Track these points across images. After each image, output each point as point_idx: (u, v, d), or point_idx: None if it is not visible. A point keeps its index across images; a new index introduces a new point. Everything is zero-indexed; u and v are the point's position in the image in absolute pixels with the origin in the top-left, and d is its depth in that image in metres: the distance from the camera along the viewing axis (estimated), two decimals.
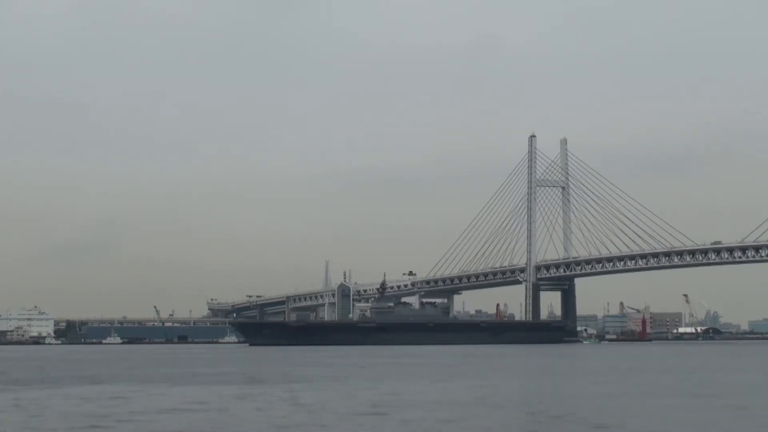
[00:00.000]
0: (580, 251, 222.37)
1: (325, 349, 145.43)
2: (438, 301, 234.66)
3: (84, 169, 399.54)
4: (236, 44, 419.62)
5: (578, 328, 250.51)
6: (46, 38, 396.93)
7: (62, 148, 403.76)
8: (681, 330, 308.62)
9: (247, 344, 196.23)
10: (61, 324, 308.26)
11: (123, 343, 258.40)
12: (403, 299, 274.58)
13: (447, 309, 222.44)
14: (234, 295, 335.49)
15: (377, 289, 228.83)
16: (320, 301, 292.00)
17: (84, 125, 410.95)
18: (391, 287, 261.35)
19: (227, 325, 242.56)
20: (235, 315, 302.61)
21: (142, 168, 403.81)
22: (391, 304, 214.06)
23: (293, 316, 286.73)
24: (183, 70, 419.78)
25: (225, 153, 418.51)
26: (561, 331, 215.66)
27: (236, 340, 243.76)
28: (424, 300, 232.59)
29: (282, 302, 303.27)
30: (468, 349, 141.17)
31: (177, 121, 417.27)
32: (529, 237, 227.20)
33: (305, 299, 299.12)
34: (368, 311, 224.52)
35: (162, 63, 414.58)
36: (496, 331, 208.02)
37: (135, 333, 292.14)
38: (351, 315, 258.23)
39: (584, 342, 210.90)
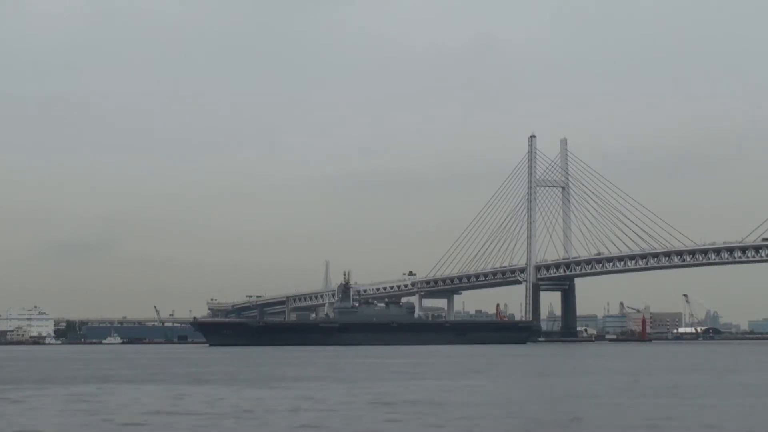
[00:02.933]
0: (580, 251, 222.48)
1: (276, 350, 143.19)
2: (404, 300, 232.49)
3: (84, 169, 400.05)
4: (234, 46, 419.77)
5: (578, 328, 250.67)
6: (52, 38, 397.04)
7: (63, 148, 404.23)
8: (681, 330, 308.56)
9: (208, 344, 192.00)
10: (61, 324, 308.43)
11: (123, 343, 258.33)
12: (403, 299, 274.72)
13: (412, 309, 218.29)
14: (234, 295, 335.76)
15: (341, 289, 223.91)
16: (320, 301, 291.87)
17: (86, 124, 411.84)
18: (388, 288, 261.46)
19: (189, 324, 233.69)
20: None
21: (142, 167, 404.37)
22: (356, 304, 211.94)
23: (293, 316, 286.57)
24: (186, 70, 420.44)
25: (226, 153, 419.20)
26: (527, 331, 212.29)
27: None
28: (388, 300, 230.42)
29: (282, 302, 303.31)
30: (414, 350, 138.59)
31: (178, 121, 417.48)
32: (529, 237, 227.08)
33: (305, 299, 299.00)
34: (332, 311, 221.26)
35: (166, 63, 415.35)
36: (461, 331, 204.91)
37: (135, 333, 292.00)
38: None
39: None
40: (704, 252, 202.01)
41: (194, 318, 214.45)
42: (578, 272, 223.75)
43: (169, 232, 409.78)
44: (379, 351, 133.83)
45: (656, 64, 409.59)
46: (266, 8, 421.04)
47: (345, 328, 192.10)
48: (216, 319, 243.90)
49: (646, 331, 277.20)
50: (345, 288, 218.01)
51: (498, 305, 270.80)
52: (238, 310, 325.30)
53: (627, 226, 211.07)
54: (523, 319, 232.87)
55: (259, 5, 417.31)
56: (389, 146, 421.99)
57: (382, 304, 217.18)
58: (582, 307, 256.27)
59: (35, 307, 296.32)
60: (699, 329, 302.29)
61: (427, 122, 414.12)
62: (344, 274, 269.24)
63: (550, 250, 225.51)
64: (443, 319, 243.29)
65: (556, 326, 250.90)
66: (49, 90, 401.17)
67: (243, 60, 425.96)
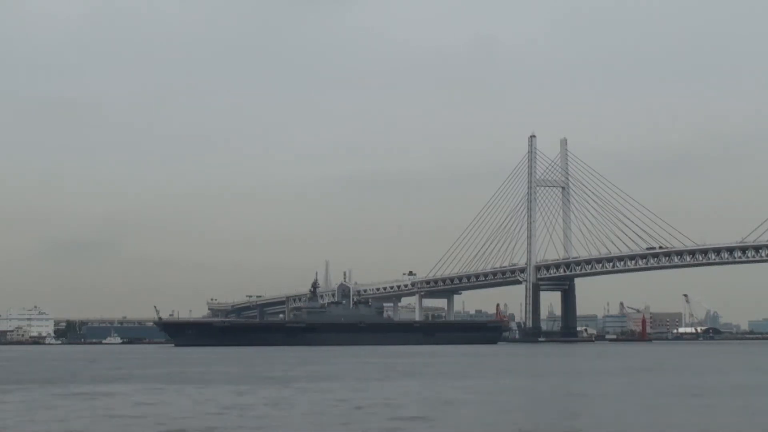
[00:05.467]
0: (580, 251, 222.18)
1: (232, 351, 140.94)
2: (372, 300, 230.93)
3: (84, 169, 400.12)
4: (234, 46, 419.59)
5: (578, 328, 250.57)
6: (52, 38, 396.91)
7: (63, 148, 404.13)
8: (681, 330, 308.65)
9: (173, 345, 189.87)
10: (61, 324, 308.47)
11: (123, 343, 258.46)
12: (403, 299, 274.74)
13: (381, 309, 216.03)
14: (234, 295, 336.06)
15: (309, 290, 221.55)
16: (320, 300, 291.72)
17: (86, 124, 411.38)
18: (388, 288, 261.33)
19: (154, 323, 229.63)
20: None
21: (142, 167, 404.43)
22: (324, 303, 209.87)
23: (293, 316, 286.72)
24: (187, 70, 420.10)
25: (226, 153, 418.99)
26: (497, 331, 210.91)
27: None
28: (357, 300, 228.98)
29: (282, 302, 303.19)
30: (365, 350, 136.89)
31: (178, 121, 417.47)
32: (529, 237, 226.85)
33: (305, 299, 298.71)
34: (301, 311, 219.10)
35: (166, 63, 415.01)
36: (430, 331, 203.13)
37: (135, 333, 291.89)
38: None
39: None
40: (704, 252, 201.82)
41: (159, 318, 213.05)
42: (578, 272, 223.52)
43: (169, 232, 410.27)
44: (309, 351, 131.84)
45: (656, 64, 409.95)
46: (266, 9, 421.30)
47: (312, 329, 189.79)
48: (180, 319, 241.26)
49: (646, 331, 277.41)
50: (314, 288, 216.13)
51: (498, 305, 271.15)
52: (238, 310, 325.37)
53: (627, 226, 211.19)
54: (523, 319, 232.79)
55: (258, 5, 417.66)
56: (389, 146, 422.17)
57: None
58: (582, 307, 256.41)
59: (35, 307, 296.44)
60: (699, 329, 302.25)
61: (427, 122, 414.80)
62: (347, 274, 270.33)
63: (550, 250, 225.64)
64: (443, 319, 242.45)
65: (556, 326, 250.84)
66: (50, 90, 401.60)
67: (243, 60, 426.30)
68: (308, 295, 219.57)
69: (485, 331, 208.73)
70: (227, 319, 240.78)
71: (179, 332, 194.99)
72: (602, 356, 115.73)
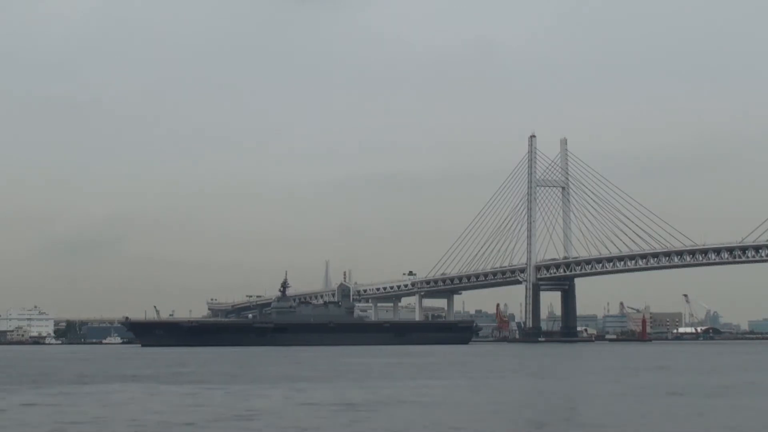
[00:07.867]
0: (580, 251, 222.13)
1: (197, 351, 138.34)
2: (343, 300, 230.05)
3: (85, 169, 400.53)
4: (235, 46, 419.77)
5: (578, 328, 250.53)
6: (55, 38, 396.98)
7: (64, 147, 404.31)
8: (681, 330, 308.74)
9: (140, 345, 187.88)
10: (61, 324, 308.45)
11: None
12: (403, 299, 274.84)
13: (351, 309, 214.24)
14: (234, 295, 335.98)
15: (279, 289, 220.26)
16: (320, 300, 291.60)
17: (88, 124, 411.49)
18: (388, 288, 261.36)
19: (120, 324, 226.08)
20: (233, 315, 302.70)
21: (143, 168, 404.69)
22: (293, 304, 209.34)
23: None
24: (189, 70, 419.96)
25: (227, 153, 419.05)
26: (468, 331, 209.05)
27: None
28: (328, 300, 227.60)
29: None
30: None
31: (181, 122, 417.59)
32: (529, 237, 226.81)
33: (305, 299, 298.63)
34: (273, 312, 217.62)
35: (168, 63, 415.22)
36: (401, 331, 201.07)
37: None
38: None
39: None
40: (704, 252, 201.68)
41: (126, 318, 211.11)
42: (578, 272, 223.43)
43: (169, 231, 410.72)
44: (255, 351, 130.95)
45: (656, 64, 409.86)
46: (266, 9, 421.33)
47: (281, 329, 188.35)
48: (148, 319, 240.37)
49: (646, 331, 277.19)
50: (284, 288, 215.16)
51: (498, 305, 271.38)
52: (238, 310, 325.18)
53: (627, 226, 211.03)
54: (523, 319, 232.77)
55: (258, 6, 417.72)
56: (389, 146, 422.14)
57: (321, 304, 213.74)
58: (582, 307, 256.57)
59: (35, 307, 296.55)
60: (699, 329, 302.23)
61: (427, 122, 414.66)
62: (347, 274, 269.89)
63: (550, 250, 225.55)
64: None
65: (557, 326, 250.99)
66: (53, 90, 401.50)
67: (243, 59, 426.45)
68: (278, 296, 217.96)
69: (456, 331, 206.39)
70: (194, 319, 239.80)
71: (146, 332, 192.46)
72: (573, 356, 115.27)
